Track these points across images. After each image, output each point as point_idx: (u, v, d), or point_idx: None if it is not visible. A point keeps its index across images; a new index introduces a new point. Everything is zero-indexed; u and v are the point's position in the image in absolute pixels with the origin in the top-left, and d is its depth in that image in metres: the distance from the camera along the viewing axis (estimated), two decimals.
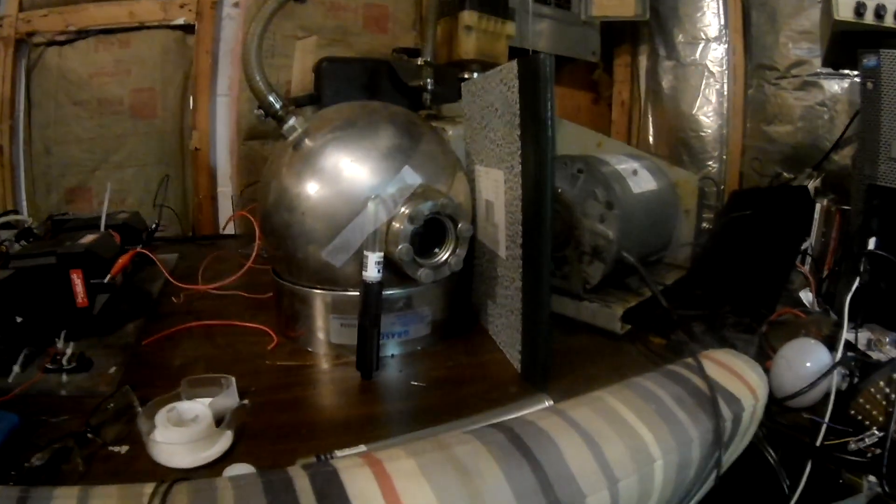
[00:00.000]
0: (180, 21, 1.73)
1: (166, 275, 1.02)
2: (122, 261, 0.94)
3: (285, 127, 0.84)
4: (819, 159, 1.46)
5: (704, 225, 1.47)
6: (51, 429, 0.64)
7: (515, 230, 0.76)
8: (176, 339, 0.91)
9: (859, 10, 0.98)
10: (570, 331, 0.94)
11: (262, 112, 0.85)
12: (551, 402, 0.65)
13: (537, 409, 0.62)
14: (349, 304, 0.81)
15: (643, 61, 2.06)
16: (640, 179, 1.04)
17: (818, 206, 1.26)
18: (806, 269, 1.12)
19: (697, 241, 1.23)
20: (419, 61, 1.23)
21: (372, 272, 0.76)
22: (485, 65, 1.37)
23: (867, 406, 0.67)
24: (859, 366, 0.71)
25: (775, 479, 0.69)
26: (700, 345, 0.81)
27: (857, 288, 0.82)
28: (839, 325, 0.77)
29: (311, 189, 0.80)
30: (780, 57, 1.66)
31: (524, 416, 0.52)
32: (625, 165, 1.04)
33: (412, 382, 0.78)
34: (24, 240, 1.14)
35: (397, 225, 0.76)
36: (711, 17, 1.85)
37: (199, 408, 0.64)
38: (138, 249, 1.01)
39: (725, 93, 1.84)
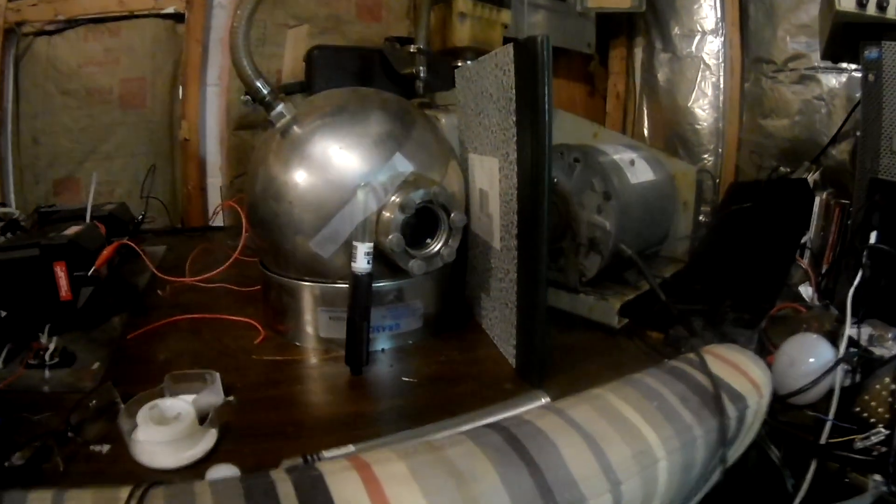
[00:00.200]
0: (170, 10, 1.71)
1: (151, 268, 1.00)
2: (106, 253, 0.92)
3: (273, 113, 0.81)
4: (816, 153, 1.45)
5: (701, 218, 1.46)
6: (32, 426, 0.62)
7: (510, 220, 0.74)
8: (161, 334, 0.89)
9: (861, 1, 0.96)
10: (566, 325, 0.92)
11: (250, 98, 0.82)
12: (548, 400, 0.63)
13: (534, 408, 0.60)
14: (338, 297, 0.79)
15: (639, 54, 2.04)
16: (638, 170, 1.02)
17: (817, 200, 1.25)
18: (805, 263, 1.11)
19: (695, 234, 1.21)
20: (412, 49, 1.21)
21: (361, 263, 0.73)
22: (479, 53, 1.33)
23: (872, 403, 0.66)
24: (862, 362, 0.69)
25: (779, 478, 0.67)
26: (700, 340, 0.79)
27: (858, 283, 0.80)
28: (841, 321, 0.75)
29: (299, 177, 0.78)
30: (777, 50, 1.65)
31: (521, 415, 0.50)
32: (622, 156, 1.01)
33: (403, 378, 0.76)
34: (10, 232, 1.11)
35: (388, 214, 0.74)
36: (708, 10, 1.83)
37: (181, 405, 0.62)
38: (123, 241, 0.99)
39: (722, 86, 1.83)
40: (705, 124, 1.85)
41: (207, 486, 0.41)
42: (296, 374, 0.78)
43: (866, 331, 0.76)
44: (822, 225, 1.25)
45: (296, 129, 0.81)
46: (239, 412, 0.66)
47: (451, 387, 0.75)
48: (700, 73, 1.85)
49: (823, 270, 1.11)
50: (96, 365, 0.77)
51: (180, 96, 1.74)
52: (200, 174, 1.76)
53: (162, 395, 0.65)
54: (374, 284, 0.75)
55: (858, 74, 1.46)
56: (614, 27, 2.04)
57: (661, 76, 1.94)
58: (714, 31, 1.82)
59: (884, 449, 0.62)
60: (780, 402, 0.70)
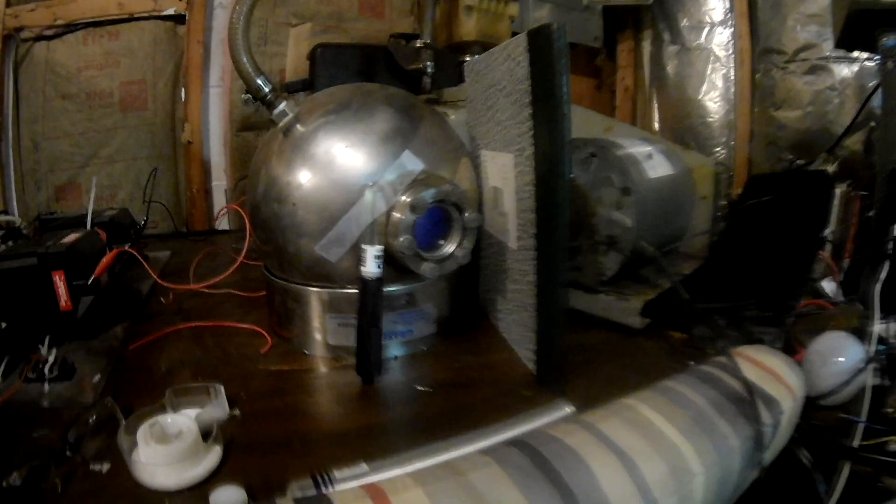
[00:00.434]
0: (171, 11, 1.70)
1: (153, 275, 0.97)
2: (105, 260, 0.90)
3: (275, 112, 0.78)
4: (829, 144, 1.43)
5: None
6: (31, 443, 0.60)
7: (527, 219, 0.70)
8: (164, 343, 0.86)
9: None
10: (583, 326, 0.88)
11: (251, 97, 0.79)
12: (571, 409, 0.59)
13: (558, 418, 0.57)
14: (347, 303, 0.75)
15: (647, 46, 2.02)
16: (656, 164, 0.98)
17: (837, 192, 1.22)
18: (827, 257, 1.07)
19: (714, 228, 1.18)
20: (418, 44, 1.17)
21: (370, 267, 0.69)
22: (486, 47, 1.29)
23: None
24: (891, 360, 0.67)
25: (810, 482, 0.64)
26: (728, 341, 0.76)
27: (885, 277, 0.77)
28: (867, 317, 0.72)
29: (303, 177, 0.74)
30: (787, 40, 1.63)
31: (547, 430, 0.46)
32: (639, 149, 0.97)
33: (417, 387, 0.72)
34: (12, 240, 1.10)
35: (397, 215, 0.70)
36: (716, 1, 1.82)
37: (183, 421, 0.59)
38: (122, 248, 0.96)
39: (732, 77, 1.80)
40: (716, 117, 1.84)
41: None
42: (303, 384, 0.74)
43: (893, 327, 0.73)
44: (842, 217, 1.22)
45: (299, 127, 0.77)
46: (244, 426, 0.63)
47: (467, 395, 0.71)
48: (710, 65, 1.84)
49: (844, 264, 1.08)
50: (97, 377, 0.74)
51: (182, 98, 1.72)
52: (204, 177, 1.75)
53: (164, 410, 0.61)
54: (384, 289, 0.71)
55: (870, 64, 1.48)
56: (621, 20, 2.02)
57: (671, 69, 1.92)
58: (723, 23, 1.80)
59: None
60: (810, 404, 0.67)
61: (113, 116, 1.68)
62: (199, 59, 1.71)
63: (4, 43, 1.60)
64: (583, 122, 1.06)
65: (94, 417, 0.62)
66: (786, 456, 0.62)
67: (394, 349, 0.79)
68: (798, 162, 1.59)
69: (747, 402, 0.55)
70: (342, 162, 0.73)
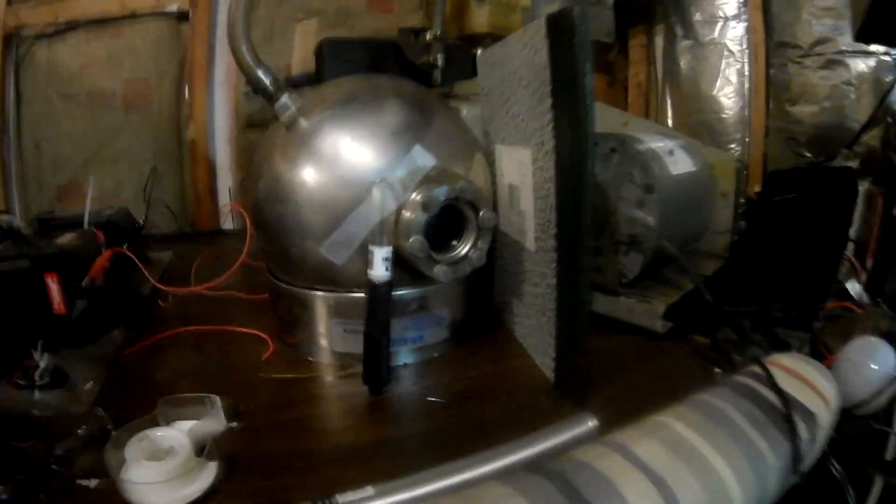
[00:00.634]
0: (174, 9, 1.66)
1: (148, 277, 0.93)
2: (99, 262, 0.86)
3: (277, 105, 0.73)
4: (846, 140, 1.41)
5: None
6: (19, 455, 0.57)
7: (547, 218, 0.65)
8: (162, 348, 0.82)
9: None
10: (602, 329, 0.83)
11: (251, 90, 0.75)
12: (596, 423, 0.55)
13: (581, 433, 0.52)
14: (354, 308, 0.70)
15: (659, 41, 1.97)
16: (677, 160, 0.93)
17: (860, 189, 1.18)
18: (852, 257, 1.03)
19: (735, 227, 1.14)
20: (428, 36, 1.13)
21: (379, 270, 0.65)
22: (498, 40, 1.28)
23: None
24: None
25: (841, 496, 0.59)
26: (752, 345, 0.73)
27: None
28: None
29: (307, 175, 0.70)
30: (802, 34, 1.58)
31: (575, 454, 0.41)
32: (660, 144, 0.93)
33: (429, 398, 0.67)
34: (8, 242, 1.03)
35: (408, 214, 0.65)
36: None
37: (175, 436, 0.54)
38: (118, 249, 0.93)
39: (746, 73, 1.76)
40: (731, 112, 1.78)
41: None
42: (308, 394, 0.70)
43: None
44: (865, 215, 1.18)
45: (303, 121, 0.72)
46: (243, 440, 0.59)
47: (482, 406, 0.66)
48: (724, 60, 1.78)
49: (868, 265, 1.04)
50: (89, 385, 0.71)
51: (186, 97, 1.68)
52: (210, 176, 1.70)
53: (155, 423, 0.57)
54: (394, 293, 0.67)
55: (887, 59, 1.44)
56: (633, 15, 1.96)
57: (684, 64, 1.87)
58: (736, 16, 1.74)
59: None
60: (843, 413, 0.62)
61: (116, 116, 1.64)
62: (203, 57, 1.66)
63: (5, 43, 1.57)
64: (599, 117, 1.01)
65: (84, 429, 0.58)
66: (815, 468, 0.57)
67: (404, 356, 0.75)
68: (814, 158, 1.56)
69: (784, 415, 0.51)
70: (349, 157, 0.69)
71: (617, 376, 0.70)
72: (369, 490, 0.44)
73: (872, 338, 0.66)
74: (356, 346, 0.69)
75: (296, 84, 1.08)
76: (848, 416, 0.61)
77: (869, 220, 1.17)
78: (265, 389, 0.70)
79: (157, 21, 1.66)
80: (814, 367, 0.58)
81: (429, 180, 0.67)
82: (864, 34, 1.06)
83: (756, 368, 0.58)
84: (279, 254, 0.75)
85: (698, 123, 1.83)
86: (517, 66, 0.71)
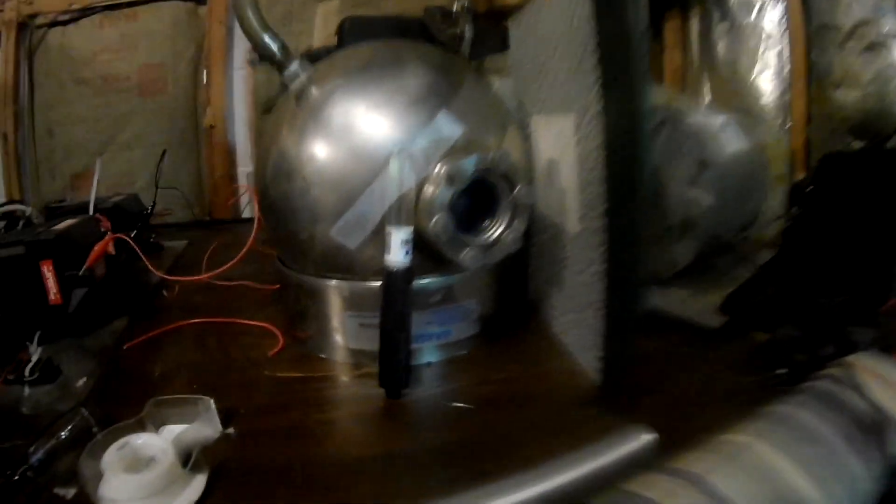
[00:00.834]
0: None
1: (148, 265, 0.88)
2: (98, 249, 0.80)
3: (286, 73, 0.66)
4: (891, 126, 1.34)
5: None
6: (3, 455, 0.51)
7: (593, 194, 0.56)
8: (163, 342, 0.76)
9: None
10: (648, 325, 0.75)
11: (257, 56, 0.67)
12: (652, 436, 0.46)
13: (636, 450, 0.44)
14: (370, 298, 0.62)
15: (695, 25, 1.89)
16: (730, 137, 0.85)
17: None
18: None
19: (788, 213, 1.05)
20: (455, 6, 1.05)
21: (396, 255, 0.56)
22: None
23: None
24: None
25: None
26: (823, 343, 0.63)
27: None
28: None
29: (317, 148, 0.62)
30: (843, 16, 1.51)
31: (641, 488, 0.32)
32: (711, 119, 0.84)
33: (453, 404, 0.58)
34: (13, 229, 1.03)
35: (431, 189, 0.57)
36: None
37: (158, 443, 0.47)
38: (116, 235, 0.88)
39: (786, 56, 1.68)
40: (771, 98, 1.69)
41: None
42: (316, 395, 0.62)
43: None
44: None
45: (313, 90, 0.65)
46: (240, 448, 0.51)
47: (516, 414, 0.57)
48: (762, 44, 1.70)
49: None
50: (82, 381, 0.66)
51: (204, 82, 1.64)
52: (228, 162, 1.66)
53: (143, 427, 0.50)
54: (414, 282, 0.59)
55: None
56: None
57: (721, 48, 1.79)
58: None
59: None
60: None
61: (130, 101, 1.62)
62: (221, 41, 1.62)
63: (19, 30, 1.57)
64: None
65: (67, 430, 0.53)
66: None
67: (426, 354, 0.66)
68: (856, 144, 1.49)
69: (875, 428, 0.44)
70: (363, 127, 0.60)
71: (668, 378, 0.61)
72: None
73: None
74: (373, 342, 0.60)
75: (313, 58, 1.02)
76: None
77: None
78: (269, 389, 0.63)
79: (174, 4, 1.64)
80: None
81: (456, 151, 0.58)
82: None
83: (838, 371, 0.50)
84: (287, 238, 0.68)
85: (737, 108, 1.77)
86: (555, 22, 0.62)
